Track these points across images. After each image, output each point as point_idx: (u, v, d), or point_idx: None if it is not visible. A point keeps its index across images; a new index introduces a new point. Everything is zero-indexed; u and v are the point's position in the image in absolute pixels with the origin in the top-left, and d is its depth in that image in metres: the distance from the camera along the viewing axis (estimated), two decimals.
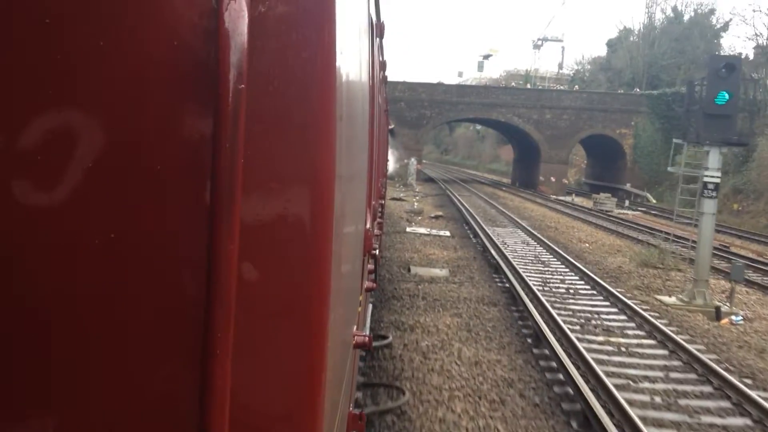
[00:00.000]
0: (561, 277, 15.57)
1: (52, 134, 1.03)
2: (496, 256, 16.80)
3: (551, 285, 14.52)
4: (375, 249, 4.80)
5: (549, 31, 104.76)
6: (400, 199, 34.56)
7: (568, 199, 45.22)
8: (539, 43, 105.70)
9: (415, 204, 33.03)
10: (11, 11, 1.01)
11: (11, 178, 1.03)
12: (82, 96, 1.05)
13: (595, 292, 14.04)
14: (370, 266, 4.68)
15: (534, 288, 13.28)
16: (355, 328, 2.69)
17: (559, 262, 17.53)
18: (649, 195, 49.84)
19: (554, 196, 48.17)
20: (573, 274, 15.97)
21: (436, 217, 26.75)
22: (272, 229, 1.20)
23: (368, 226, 3.86)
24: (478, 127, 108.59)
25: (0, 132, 1.03)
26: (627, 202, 43.01)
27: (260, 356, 1.20)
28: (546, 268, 16.57)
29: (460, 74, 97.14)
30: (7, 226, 1.03)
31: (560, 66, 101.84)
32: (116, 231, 1.07)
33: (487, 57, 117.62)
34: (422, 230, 22.22)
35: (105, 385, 1.09)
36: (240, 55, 1.04)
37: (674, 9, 72.07)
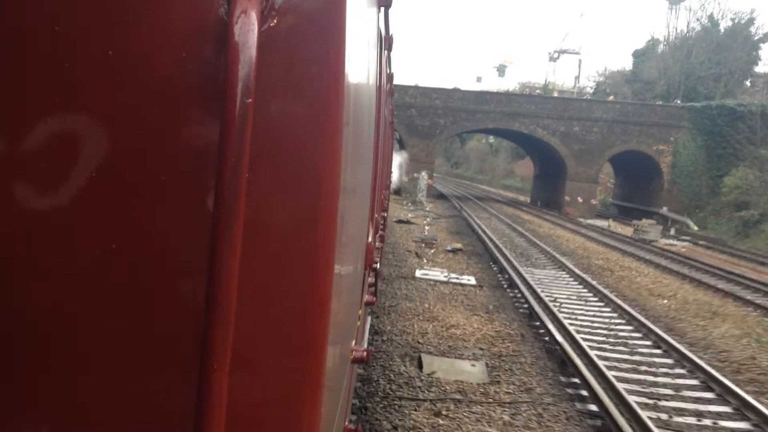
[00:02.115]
0: (670, 380, 9.45)
1: (57, 141, 1.05)
2: (554, 330, 10.79)
3: (667, 404, 8.42)
4: (376, 262, 4.61)
5: (565, 44, 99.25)
6: (408, 222, 28.55)
7: (602, 224, 39.06)
8: (555, 55, 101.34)
9: (426, 229, 27.04)
10: (21, 19, 1.03)
11: (15, 183, 1.05)
12: (88, 104, 1.06)
13: (751, 427, 7.97)
14: (371, 279, 4.48)
15: (645, 419, 7.27)
16: (353, 342, 2.62)
17: (649, 342, 11.43)
18: (689, 221, 43.70)
19: (582, 219, 42.18)
20: (685, 372, 9.85)
21: (454, 251, 20.70)
22: (274, 241, 1.19)
23: (370, 239, 3.70)
24: (491, 139, 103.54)
25: (5, 137, 1.05)
26: (672, 230, 36.80)
27: (258, 369, 1.19)
28: (637, 357, 10.47)
29: (479, 80, 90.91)
30: (9, 232, 1.05)
31: (577, 79, 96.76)
32: (117, 241, 1.08)
33: (501, 68, 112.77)
34: (437, 275, 16.15)
35: (101, 394, 1.10)
36: (248, 69, 1.03)
37: (710, 17, 66.46)
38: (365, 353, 2.62)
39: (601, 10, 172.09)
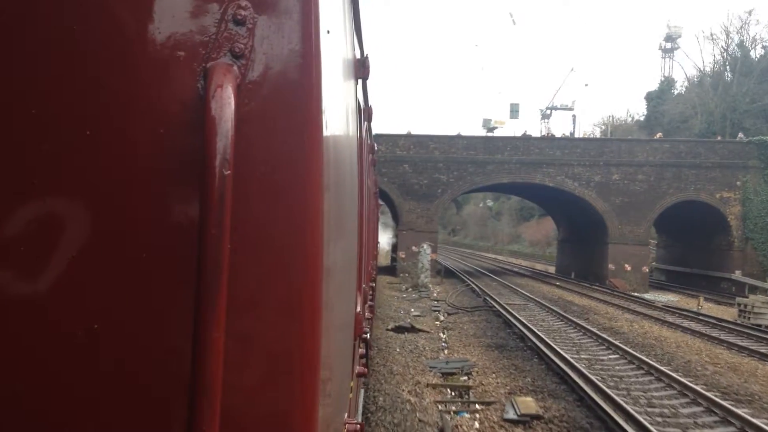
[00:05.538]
0: None
1: (36, 224, 1.03)
2: None
3: None
4: (366, 333, 4.62)
5: (557, 100, 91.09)
6: (412, 330, 17.44)
7: (672, 299, 27.97)
8: (548, 112, 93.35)
9: (444, 340, 16.01)
10: None
11: None
12: (68, 185, 1.04)
13: None
14: (361, 350, 4.39)
15: None
16: (346, 415, 2.57)
17: None
18: None
19: (638, 294, 31.35)
20: None
21: (525, 424, 9.53)
22: (258, 316, 1.15)
23: (359, 309, 3.64)
24: (490, 203, 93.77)
25: None
26: None
27: None
28: None
29: (487, 123, 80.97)
30: None
31: (571, 135, 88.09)
32: (100, 321, 1.05)
33: (492, 130, 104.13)
34: None
35: None
36: (226, 142, 1.03)
37: (741, 45, 57.57)
38: (359, 426, 2.56)
39: (592, 65, 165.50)
